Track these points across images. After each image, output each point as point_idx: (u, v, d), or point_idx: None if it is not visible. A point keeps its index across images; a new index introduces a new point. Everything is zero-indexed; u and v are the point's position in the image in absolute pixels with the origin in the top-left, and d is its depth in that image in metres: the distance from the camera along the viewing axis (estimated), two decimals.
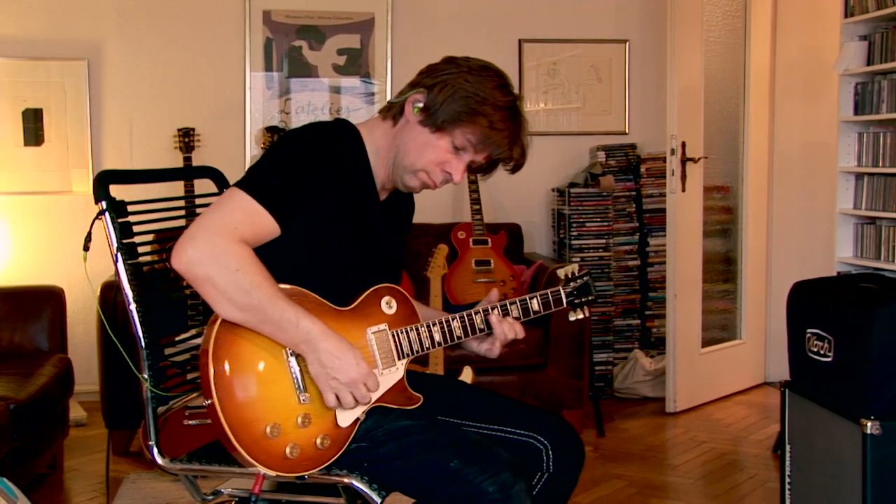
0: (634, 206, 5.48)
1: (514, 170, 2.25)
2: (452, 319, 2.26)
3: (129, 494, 4.08)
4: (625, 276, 5.45)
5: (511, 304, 2.31)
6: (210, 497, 2.44)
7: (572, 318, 2.37)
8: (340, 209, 2.23)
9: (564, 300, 2.33)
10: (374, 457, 2.15)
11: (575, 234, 5.32)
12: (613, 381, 5.33)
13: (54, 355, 4.40)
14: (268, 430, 2.07)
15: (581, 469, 2.36)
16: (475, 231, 5.06)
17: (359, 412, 2.16)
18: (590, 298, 2.36)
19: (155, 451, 2.35)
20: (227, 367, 2.07)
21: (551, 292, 2.34)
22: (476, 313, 2.28)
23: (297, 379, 2.12)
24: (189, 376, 2.45)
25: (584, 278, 2.36)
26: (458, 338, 2.27)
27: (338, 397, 2.10)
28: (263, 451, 2.07)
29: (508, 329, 2.28)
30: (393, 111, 2.27)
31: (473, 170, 2.28)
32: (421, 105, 2.20)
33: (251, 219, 2.08)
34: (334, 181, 2.20)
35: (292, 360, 2.12)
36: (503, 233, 5.17)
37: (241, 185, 2.11)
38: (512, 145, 2.18)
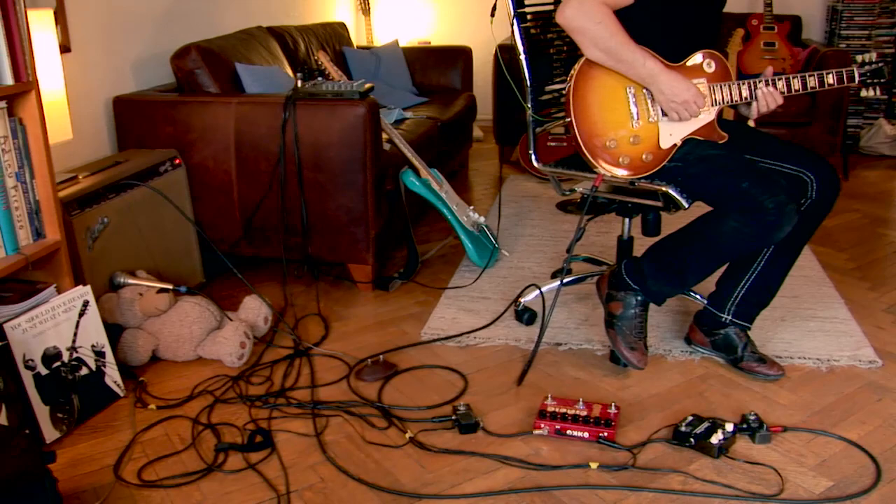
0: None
1: None
2: (760, 81, 2.40)
3: (511, 189, 4.77)
4: (881, 61, 5.39)
5: (809, 75, 2.38)
6: (567, 192, 2.86)
7: (863, 94, 2.44)
8: None
9: (857, 78, 2.39)
10: (686, 173, 2.42)
11: (844, 25, 5.52)
12: (860, 141, 5.64)
13: (465, 92, 5.09)
14: (608, 143, 2.39)
15: (836, 199, 2.50)
16: (765, 19, 5.33)
17: (677, 139, 2.40)
18: (882, 80, 2.42)
19: (533, 157, 2.78)
20: (583, 94, 2.38)
21: (846, 70, 2.38)
22: (778, 79, 2.40)
23: (633, 109, 2.39)
24: (552, 110, 2.80)
25: (880, 64, 2.42)
26: (756, 97, 2.41)
27: (678, 113, 2.35)
28: (603, 157, 2.40)
29: (771, 100, 2.41)
30: None
31: None
32: None
33: None
34: None
35: (630, 95, 2.38)
36: (787, 22, 5.37)
37: None
38: None
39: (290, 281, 3.41)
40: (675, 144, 2.43)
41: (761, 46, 5.31)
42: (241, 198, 3.27)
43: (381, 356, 2.74)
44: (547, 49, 2.82)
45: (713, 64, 2.46)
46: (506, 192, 4.72)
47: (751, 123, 2.68)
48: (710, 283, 2.69)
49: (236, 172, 3.25)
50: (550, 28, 2.84)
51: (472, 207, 3.62)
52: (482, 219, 3.61)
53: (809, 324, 2.99)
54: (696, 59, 2.45)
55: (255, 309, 2.91)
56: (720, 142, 2.46)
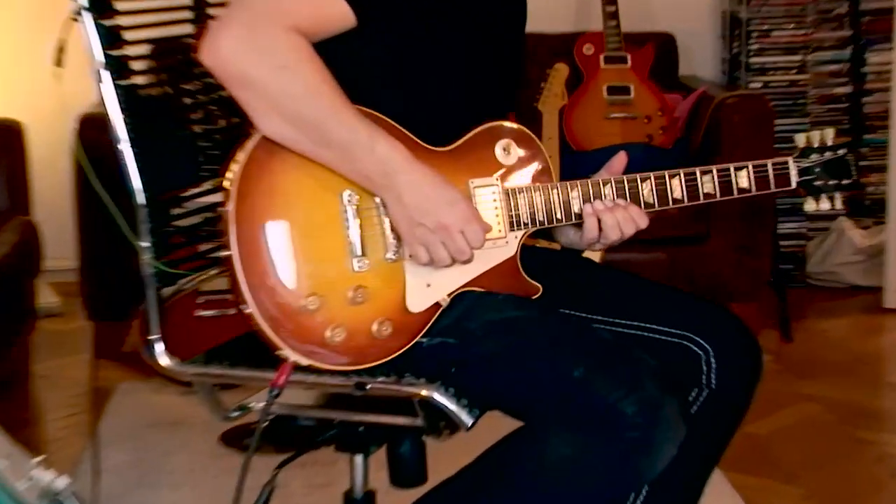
0: (848, 6, 4.95)
1: None
2: (605, 185, 2.09)
3: (123, 410, 4.00)
4: (828, 111, 5.04)
5: (704, 173, 2.10)
6: (235, 413, 2.36)
7: (810, 207, 2.17)
8: None
9: (793, 179, 2.12)
10: (465, 359, 2.03)
11: (755, 47, 4.96)
12: (807, 263, 5.00)
13: (14, 218, 4.34)
14: (305, 303, 1.98)
15: (756, 386, 2.19)
16: (609, 44, 4.67)
17: (442, 293, 2.04)
18: (844, 182, 2.15)
19: (159, 349, 2.25)
20: (255, 206, 1.97)
21: (774, 165, 2.11)
22: (643, 178, 2.09)
23: (354, 237, 2.00)
24: (202, 247, 2.34)
25: (840, 151, 2.15)
26: (601, 225, 2.10)
27: (429, 252, 1.98)
28: (295, 330, 1.99)
29: (627, 226, 2.10)
30: None
31: None
32: None
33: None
34: None
35: (349, 209, 2.00)
36: (650, 46, 4.76)
37: None
38: None
39: None
40: (437, 304, 2.06)
41: (604, 96, 4.65)
42: None
43: None
44: (182, 123, 2.40)
45: (514, 148, 2.12)
46: (113, 421, 3.94)
47: (595, 259, 2.48)
48: None
49: None
50: (189, 79, 2.47)
51: (38, 459, 2.82)
52: (63, 481, 2.84)
53: None
54: (481, 137, 2.12)
55: None
56: (533, 296, 2.13)
